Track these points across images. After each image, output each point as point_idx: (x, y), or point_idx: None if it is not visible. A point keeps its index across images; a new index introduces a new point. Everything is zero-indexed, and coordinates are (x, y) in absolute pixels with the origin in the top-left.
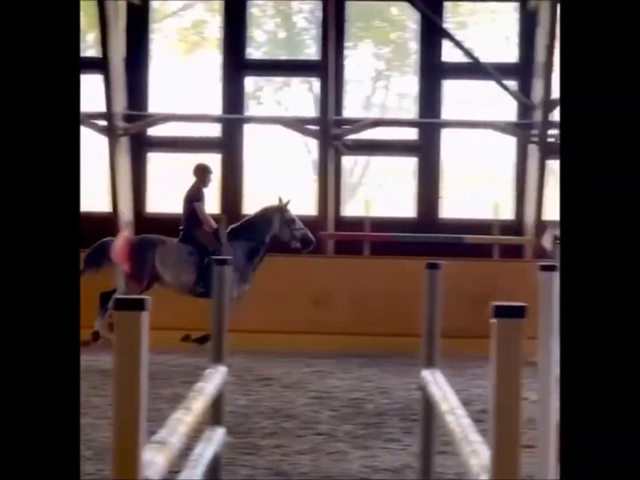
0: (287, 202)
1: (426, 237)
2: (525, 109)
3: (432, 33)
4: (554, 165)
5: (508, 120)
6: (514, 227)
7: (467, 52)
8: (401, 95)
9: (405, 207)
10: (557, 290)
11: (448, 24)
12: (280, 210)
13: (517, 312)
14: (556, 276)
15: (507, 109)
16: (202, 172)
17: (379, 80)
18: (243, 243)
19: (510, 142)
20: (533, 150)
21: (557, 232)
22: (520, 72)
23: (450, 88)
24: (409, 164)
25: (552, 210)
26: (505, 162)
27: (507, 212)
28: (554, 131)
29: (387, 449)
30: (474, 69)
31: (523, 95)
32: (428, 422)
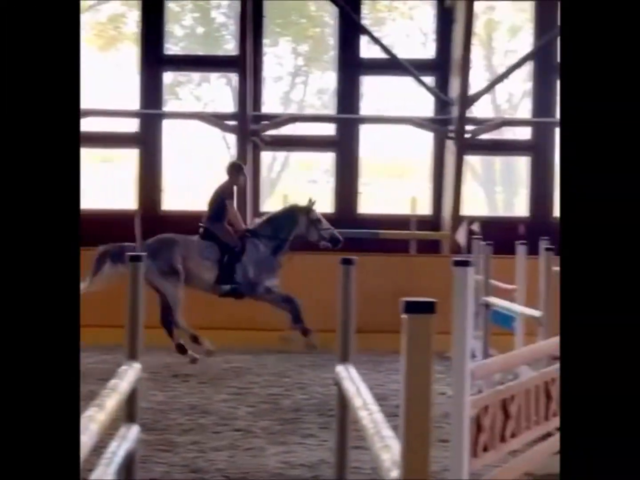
0: (313, 203)
1: (343, 232)
2: (442, 104)
3: (351, 29)
4: (471, 160)
5: (425, 116)
6: (432, 222)
7: (385, 49)
8: (320, 91)
9: (323, 202)
10: (471, 285)
11: (366, 20)
12: (306, 210)
13: (427, 308)
14: (470, 271)
15: (425, 104)
16: (235, 171)
17: (297, 76)
18: (266, 240)
19: (427, 138)
20: (450, 146)
21: (474, 226)
22: (438, 68)
23: (369, 84)
24: (328, 160)
25: (468, 205)
26: (422, 158)
27: (424, 208)
28: (471, 127)
29: (303, 444)
30: (391, 65)
31: (440, 91)
32: (342, 418)
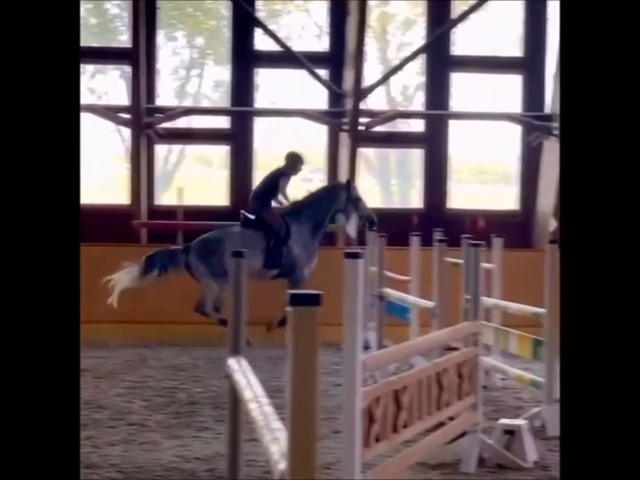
0: (353, 181)
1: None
2: (336, 97)
3: (245, 22)
4: (366, 153)
5: (319, 109)
6: None
7: (280, 41)
8: (216, 83)
9: (219, 196)
10: (362, 276)
11: (261, 13)
12: (347, 187)
13: (312, 300)
14: (361, 263)
15: (319, 97)
16: (295, 161)
17: (193, 69)
18: (306, 220)
19: (321, 131)
20: (344, 138)
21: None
22: (332, 61)
23: (263, 77)
24: (223, 153)
25: (363, 197)
26: (317, 150)
27: None
28: (365, 119)
29: (198, 437)
30: (286, 58)
31: (334, 84)
32: (234, 411)
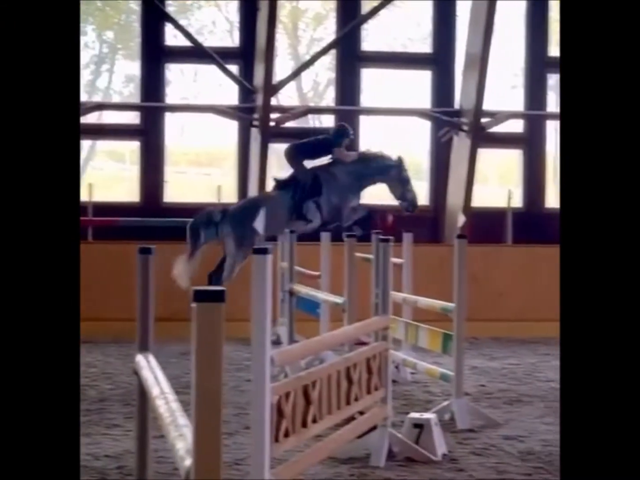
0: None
1: (150, 221)
2: (247, 93)
3: (156, 17)
4: (276, 148)
5: (230, 104)
6: None
7: (190, 37)
8: (127, 78)
9: (129, 191)
10: (269, 272)
11: (171, 7)
12: (399, 166)
13: (217, 296)
14: (269, 259)
15: (230, 93)
16: (342, 132)
17: (103, 64)
18: (349, 173)
19: (233, 126)
20: (255, 134)
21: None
22: (242, 56)
23: (174, 72)
24: (133, 148)
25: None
26: (228, 146)
27: (231, 196)
28: (275, 115)
29: (108, 435)
30: (197, 53)
31: (245, 79)
32: (142, 407)
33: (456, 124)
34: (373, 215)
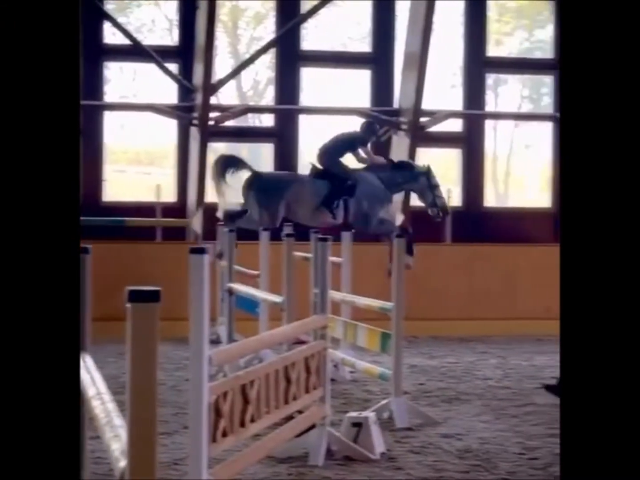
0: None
1: (88, 220)
2: (186, 91)
3: (94, 14)
4: (218, 148)
5: (169, 103)
6: (177, 209)
7: (129, 34)
8: None
9: None
10: (207, 272)
11: (110, 5)
12: (428, 173)
13: (152, 297)
14: (206, 258)
15: (169, 91)
16: (370, 128)
17: None
18: (380, 179)
19: (172, 125)
20: (194, 133)
21: (218, 214)
22: (181, 55)
23: (113, 70)
24: None
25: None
26: (168, 145)
27: (170, 195)
28: (215, 114)
29: None
30: (135, 51)
31: (184, 78)
32: (79, 408)
33: (395, 123)
34: (410, 237)
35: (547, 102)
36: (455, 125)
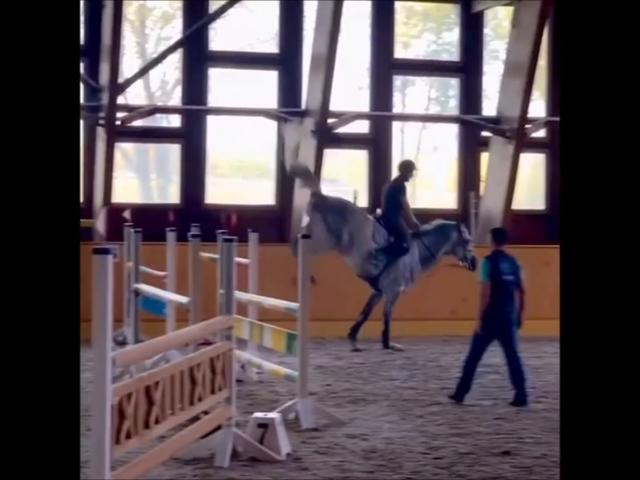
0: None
1: None
2: (92, 91)
3: None
4: (125, 148)
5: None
6: (84, 209)
7: None
8: None
9: None
10: (110, 273)
11: None
12: (459, 229)
13: None
14: (109, 259)
15: None
16: (407, 168)
17: None
18: (421, 247)
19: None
20: (101, 133)
21: (125, 214)
22: (87, 54)
23: None
24: None
25: (122, 193)
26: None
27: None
28: (122, 114)
29: None
30: None
31: (90, 77)
32: None
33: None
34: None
35: (453, 104)
36: (362, 127)
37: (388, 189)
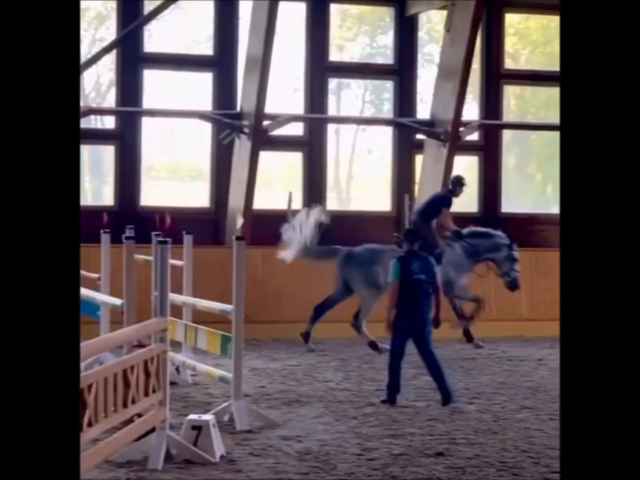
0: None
1: None
2: None
3: None
4: None
5: None
6: None
7: None
8: None
9: None
10: None
11: None
12: (510, 246)
13: None
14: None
15: None
16: (458, 184)
17: None
18: (465, 245)
19: None
20: None
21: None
22: None
23: None
24: None
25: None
26: None
27: None
28: None
29: None
30: None
31: None
32: None
33: (238, 126)
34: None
35: (388, 107)
36: (297, 129)
37: (434, 196)
